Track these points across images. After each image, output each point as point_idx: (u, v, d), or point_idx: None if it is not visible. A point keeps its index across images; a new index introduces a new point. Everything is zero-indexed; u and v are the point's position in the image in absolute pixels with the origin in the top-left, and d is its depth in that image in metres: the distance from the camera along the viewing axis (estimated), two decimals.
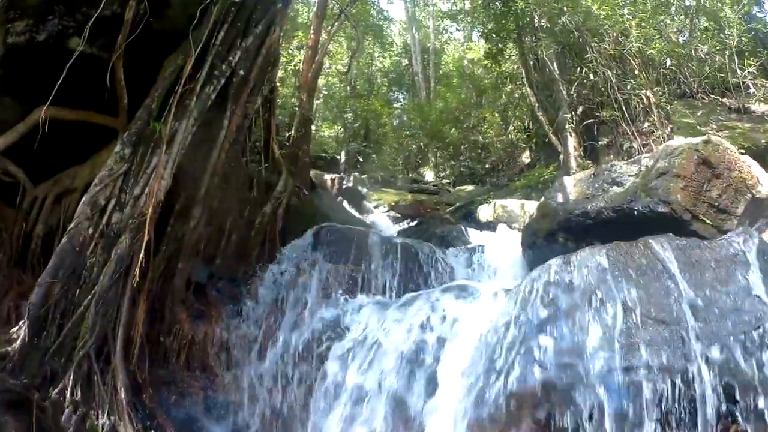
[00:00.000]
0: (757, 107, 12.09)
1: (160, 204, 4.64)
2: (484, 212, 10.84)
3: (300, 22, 19.11)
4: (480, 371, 3.77)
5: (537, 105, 12.92)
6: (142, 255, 4.32)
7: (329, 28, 13.97)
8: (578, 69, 10.82)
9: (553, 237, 6.01)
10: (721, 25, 12.99)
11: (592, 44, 10.55)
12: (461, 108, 20.16)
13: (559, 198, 6.22)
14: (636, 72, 10.45)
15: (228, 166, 5.67)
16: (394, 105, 26.43)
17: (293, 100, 13.52)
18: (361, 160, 21.27)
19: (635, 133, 9.71)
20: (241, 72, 5.50)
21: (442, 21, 26.43)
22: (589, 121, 10.86)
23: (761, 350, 3.14)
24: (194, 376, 4.79)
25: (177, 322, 4.87)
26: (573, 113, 11.28)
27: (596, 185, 5.94)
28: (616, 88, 10.04)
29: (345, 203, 11.91)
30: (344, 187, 14.27)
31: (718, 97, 12.86)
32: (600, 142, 10.62)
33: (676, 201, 5.09)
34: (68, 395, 3.81)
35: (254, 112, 6.13)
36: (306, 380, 4.80)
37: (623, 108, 9.86)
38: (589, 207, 5.70)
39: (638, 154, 8.18)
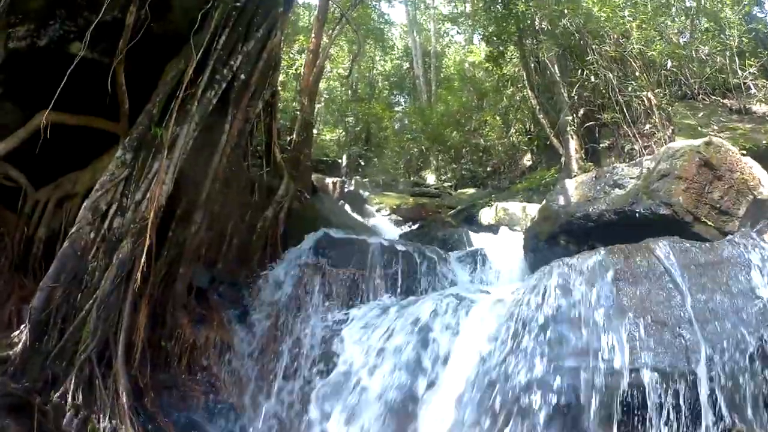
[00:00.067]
0: (758, 108, 12.09)
1: (161, 209, 4.64)
2: (486, 215, 10.85)
3: (301, 26, 19.17)
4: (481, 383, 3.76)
5: (538, 107, 12.95)
6: (143, 259, 4.32)
7: (330, 31, 14.03)
8: (579, 71, 10.85)
9: (554, 240, 6.01)
10: (721, 26, 12.99)
11: (593, 46, 10.57)
12: (462, 111, 20.19)
13: (561, 200, 6.22)
14: (637, 74, 10.46)
15: (229, 171, 5.68)
16: (396, 108, 26.54)
17: (294, 104, 13.57)
18: (362, 163, 21.32)
19: (636, 135, 9.71)
20: (243, 76, 5.51)
21: (443, 24, 26.55)
22: (591, 123, 10.87)
23: (763, 352, 3.12)
24: (195, 381, 4.78)
25: (178, 327, 4.86)
26: (574, 115, 11.30)
27: (598, 187, 5.94)
28: (617, 90, 10.05)
29: (347, 207, 11.90)
30: (346, 190, 14.30)
31: (719, 98, 12.87)
32: (601, 145, 10.63)
33: (677, 203, 5.09)
34: (70, 399, 3.81)
35: (255, 117, 6.13)
36: (308, 382, 4.79)
37: (624, 110, 9.87)
38: (590, 209, 5.70)
39: (639, 156, 8.20)
